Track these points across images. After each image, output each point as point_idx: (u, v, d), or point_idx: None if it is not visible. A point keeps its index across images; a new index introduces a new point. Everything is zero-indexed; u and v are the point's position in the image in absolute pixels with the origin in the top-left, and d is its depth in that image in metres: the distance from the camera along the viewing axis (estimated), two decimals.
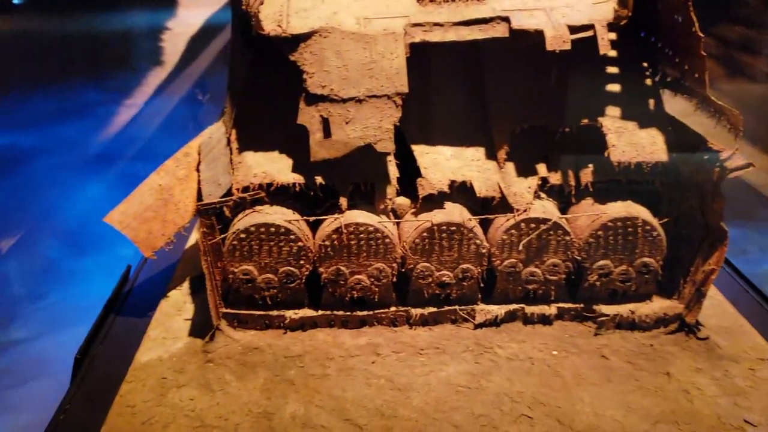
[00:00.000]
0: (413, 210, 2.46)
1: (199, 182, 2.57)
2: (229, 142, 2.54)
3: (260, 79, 2.54)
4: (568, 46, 2.25)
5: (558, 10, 2.38)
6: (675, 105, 2.51)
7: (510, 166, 2.50)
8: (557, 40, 2.25)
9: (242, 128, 2.53)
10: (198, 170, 2.67)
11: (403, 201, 2.50)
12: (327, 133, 2.30)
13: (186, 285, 2.83)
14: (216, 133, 2.72)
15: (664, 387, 2.17)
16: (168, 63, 7.23)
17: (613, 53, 2.62)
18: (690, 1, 2.21)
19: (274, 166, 2.44)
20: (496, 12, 2.37)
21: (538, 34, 2.27)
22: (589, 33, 2.29)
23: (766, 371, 2.25)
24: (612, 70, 2.59)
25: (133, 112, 5.77)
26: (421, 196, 2.41)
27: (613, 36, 2.49)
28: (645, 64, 2.62)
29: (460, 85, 2.61)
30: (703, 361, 2.29)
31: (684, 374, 2.23)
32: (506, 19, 2.32)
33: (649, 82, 2.58)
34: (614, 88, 2.55)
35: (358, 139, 2.29)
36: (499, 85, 2.53)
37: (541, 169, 2.50)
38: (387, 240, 2.35)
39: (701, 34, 2.16)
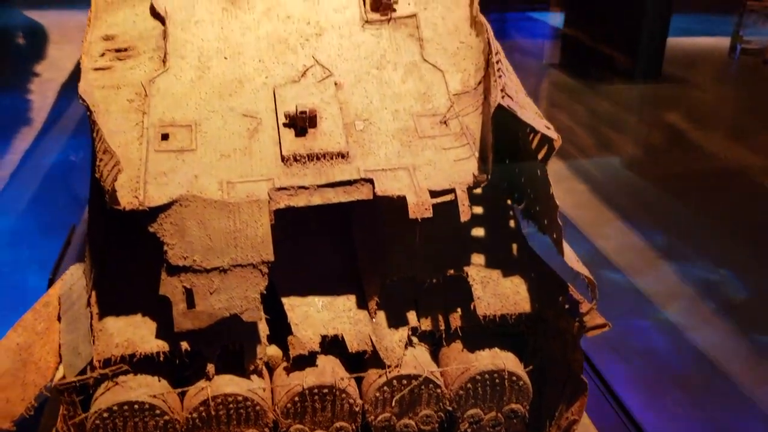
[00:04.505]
0: (284, 365, 2.43)
1: (59, 342, 2.46)
2: (89, 303, 2.42)
3: (120, 238, 2.45)
4: (429, 214, 2.29)
5: (421, 169, 2.42)
6: None
7: (381, 316, 2.51)
8: (419, 207, 2.29)
9: (103, 289, 2.43)
10: (59, 319, 2.56)
11: (275, 352, 2.47)
12: (191, 303, 2.24)
13: None
14: (76, 284, 2.61)
15: None
16: (37, 120, 6.85)
17: (477, 190, 2.69)
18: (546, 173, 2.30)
19: (137, 333, 2.35)
20: (360, 172, 2.38)
21: (401, 200, 2.30)
22: (450, 197, 2.33)
23: None
24: (477, 210, 2.66)
25: None
26: (292, 356, 2.38)
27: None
28: (509, 201, 2.71)
29: (330, 232, 2.61)
30: None
31: None
32: (370, 181, 2.33)
33: (512, 223, 2.66)
34: (479, 231, 2.62)
35: (223, 310, 2.25)
36: (368, 235, 2.54)
37: (412, 317, 2.53)
38: (257, 407, 2.32)
39: (557, 203, 2.24)
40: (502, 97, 2.24)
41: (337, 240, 2.60)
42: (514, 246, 2.60)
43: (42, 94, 7.53)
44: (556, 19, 10.99)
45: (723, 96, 8.47)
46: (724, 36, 9.66)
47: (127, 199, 2.22)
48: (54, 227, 4.76)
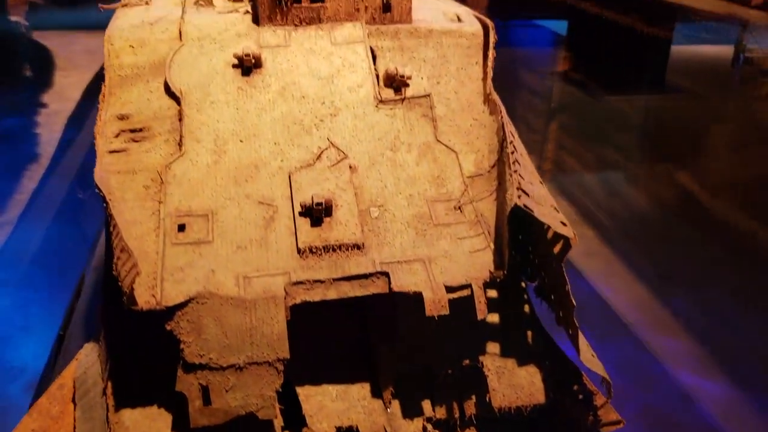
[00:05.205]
0: None
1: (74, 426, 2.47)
2: (104, 393, 2.43)
3: (136, 329, 2.45)
4: (446, 311, 2.29)
5: (436, 261, 2.42)
6: None
7: (396, 405, 2.51)
8: (436, 305, 2.29)
9: (118, 380, 2.43)
10: (73, 401, 2.56)
11: None
12: (207, 400, 2.24)
13: None
14: (91, 369, 2.61)
15: None
16: (44, 155, 6.84)
17: None
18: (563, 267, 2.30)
19: (154, 426, 2.35)
20: (376, 265, 2.38)
21: (417, 296, 2.30)
22: (466, 292, 2.34)
23: None
24: (491, 293, 2.65)
25: (6, 233, 5.41)
26: None
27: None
28: (522, 283, 2.71)
29: (344, 319, 2.61)
30: None
31: None
32: (386, 275, 2.33)
33: (527, 308, 2.66)
34: (494, 317, 2.61)
35: (239, 408, 2.24)
36: (382, 324, 2.54)
37: (427, 407, 2.52)
38: None
39: (574, 302, 2.24)
40: (519, 196, 2.24)
41: (350, 327, 2.60)
42: (529, 333, 2.59)
43: (49, 127, 7.50)
44: (559, 27, 10.98)
45: (728, 111, 8.40)
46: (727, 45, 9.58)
47: (144, 298, 2.22)
48: (64, 271, 4.77)
